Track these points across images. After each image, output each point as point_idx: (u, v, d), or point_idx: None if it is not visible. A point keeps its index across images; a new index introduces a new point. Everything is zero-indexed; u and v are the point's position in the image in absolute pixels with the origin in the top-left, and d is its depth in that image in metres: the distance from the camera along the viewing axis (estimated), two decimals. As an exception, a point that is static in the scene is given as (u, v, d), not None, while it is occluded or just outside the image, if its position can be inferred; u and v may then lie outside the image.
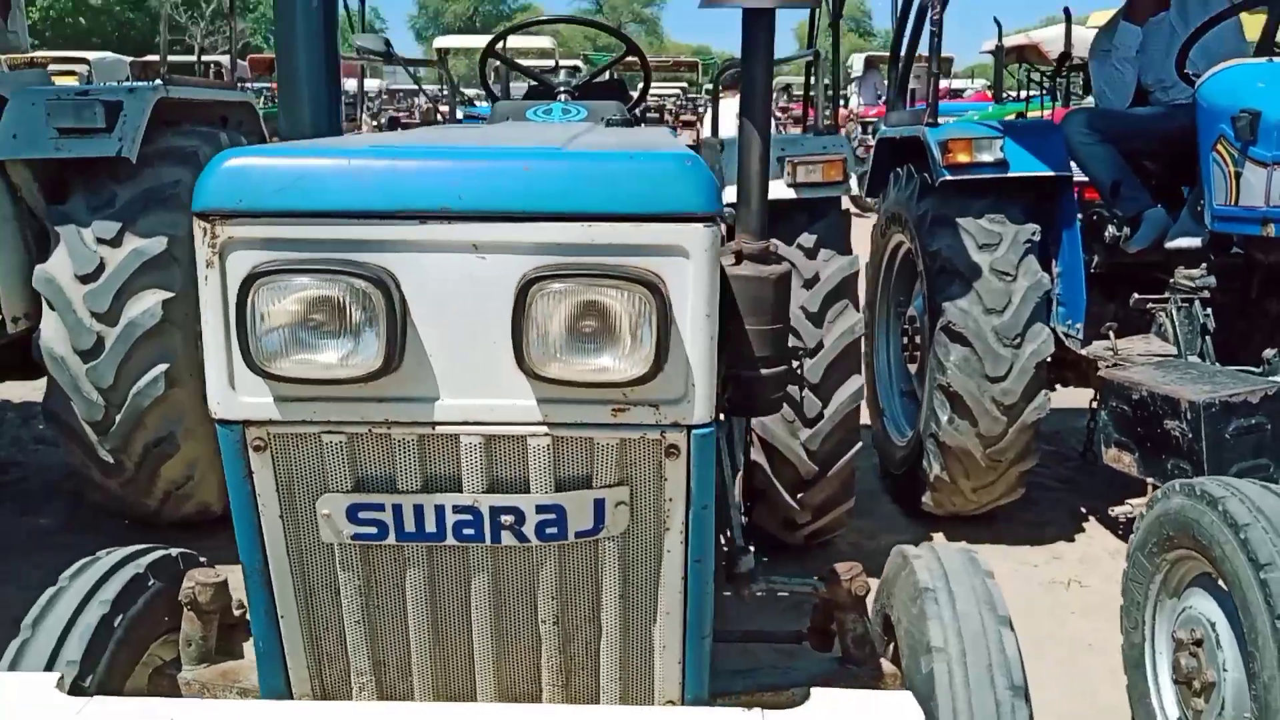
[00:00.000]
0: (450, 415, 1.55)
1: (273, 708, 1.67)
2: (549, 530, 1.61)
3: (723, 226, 1.57)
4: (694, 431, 1.57)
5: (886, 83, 6.25)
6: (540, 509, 1.59)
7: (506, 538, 1.61)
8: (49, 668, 1.95)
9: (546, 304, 1.46)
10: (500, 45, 3.72)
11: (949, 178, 4.61)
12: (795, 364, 3.01)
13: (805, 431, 4.22)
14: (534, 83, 3.95)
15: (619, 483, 1.61)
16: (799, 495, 4.33)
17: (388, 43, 3.74)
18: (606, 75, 4.32)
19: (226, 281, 1.48)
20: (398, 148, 1.58)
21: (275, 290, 1.45)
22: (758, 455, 4.34)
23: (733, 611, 3.21)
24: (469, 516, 1.60)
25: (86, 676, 1.96)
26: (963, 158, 4.60)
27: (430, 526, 1.61)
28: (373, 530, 1.61)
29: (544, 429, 1.55)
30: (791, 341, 4.08)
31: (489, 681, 1.74)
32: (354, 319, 1.47)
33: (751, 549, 2.51)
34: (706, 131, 5.67)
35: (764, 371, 2.81)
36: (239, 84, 6.72)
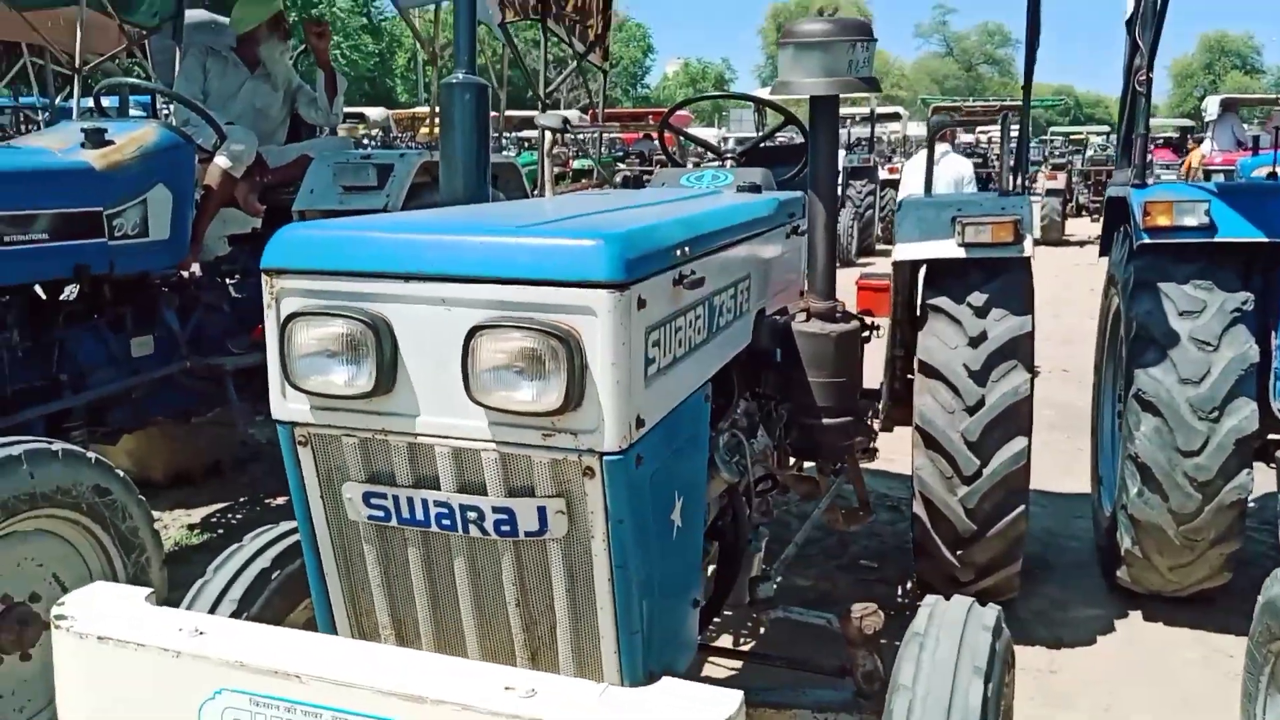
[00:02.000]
0: (427, 429, 2.01)
1: (320, 640, 2.19)
2: (504, 528, 2.03)
3: (639, 293, 1.91)
4: (605, 457, 1.92)
5: (1245, 126, 5.93)
6: (496, 509, 2.02)
7: (473, 530, 2.05)
8: (214, 607, 2.61)
9: (486, 347, 1.89)
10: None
11: (1147, 240, 4.46)
12: (868, 416, 3.17)
13: (963, 489, 4.27)
14: (706, 149, 4.37)
15: (557, 494, 1.99)
16: (958, 552, 4.37)
17: (565, 120, 4.32)
18: (782, 138, 4.62)
19: (279, 319, 2.05)
20: (400, 223, 2.08)
21: (304, 327, 2.00)
22: (918, 508, 4.44)
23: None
24: (445, 510, 2.05)
25: (242, 614, 2.60)
26: (1163, 220, 4.44)
27: (419, 515, 2.08)
28: (381, 514, 2.11)
29: (493, 445, 1.98)
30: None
31: (476, 654, 2.18)
32: (356, 351, 1.98)
33: (773, 578, 2.75)
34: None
35: (825, 421, 3.07)
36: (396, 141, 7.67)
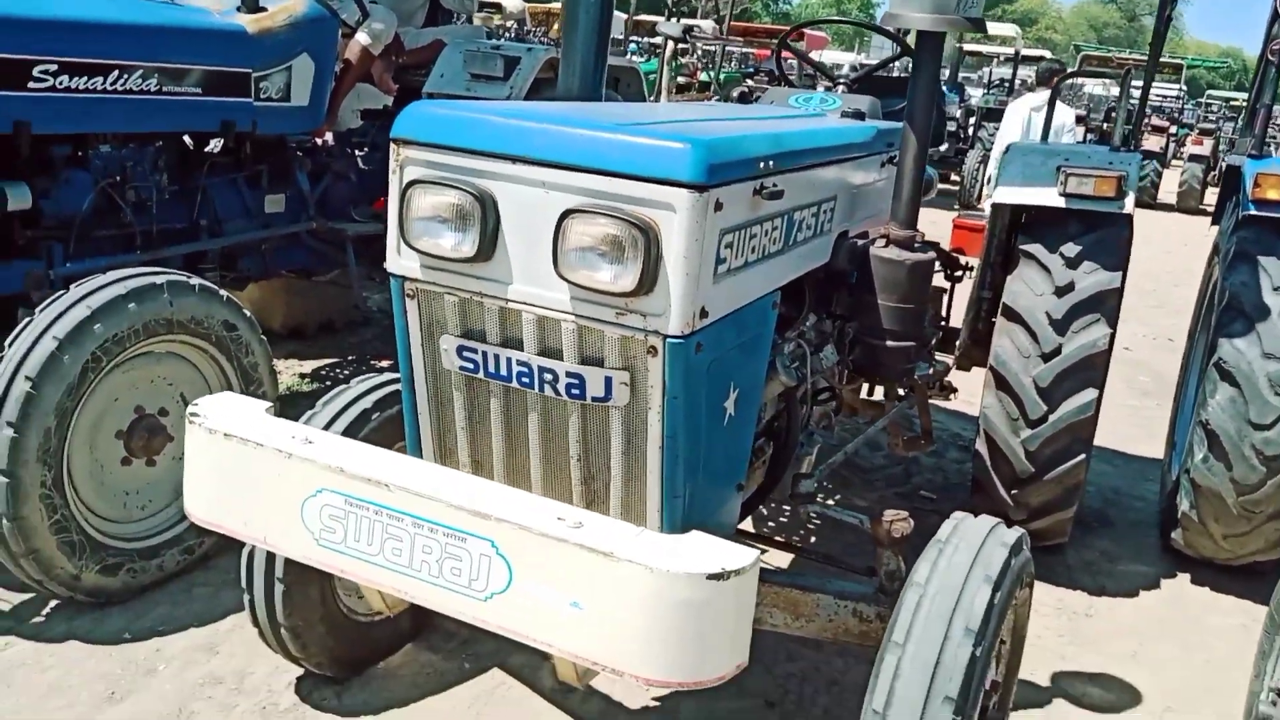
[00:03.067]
0: (517, 296, 2.28)
1: (415, 465, 2.49)
2: (574, 391, 2.29)
3: (717, 196, 2.11)
4: (668, 339, 2.16)
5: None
6: (569, 374, 2.28)
7: (548, 390, 2.32)
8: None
9: (575, 229, 2.13)
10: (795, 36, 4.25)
11: (1253, 212, 4.44)
12: (933, 344, 3.33)
13: (1026, 431, 4.40)
14: (820, 72, 4.48)
15: (623, 367, 2.24)
16: (1013, 491, 4.52)
17: (688, 29, 4.42)
18: (895, 70, 4.68)
19: (401, 184, 2.32)
20: (513, 110, 2.32)
21: (421, 193, 2.27)
22: (980, 446, 4.59)
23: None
24: (525, 370, 2.33)
25: (343, 443, 2.95)
26: (1272, 194, 4.40)
27: (504, 371, 2.36)
28: (471, 366, 2.40)
29: (572, 317, 2.23)
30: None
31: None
32: (464, 220, 2.24)
33: (817, 477, 2.98)
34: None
35: (889, 343, 3.24)
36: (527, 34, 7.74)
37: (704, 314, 2.20)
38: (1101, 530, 5.28)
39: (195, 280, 3.73)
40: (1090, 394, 4.34)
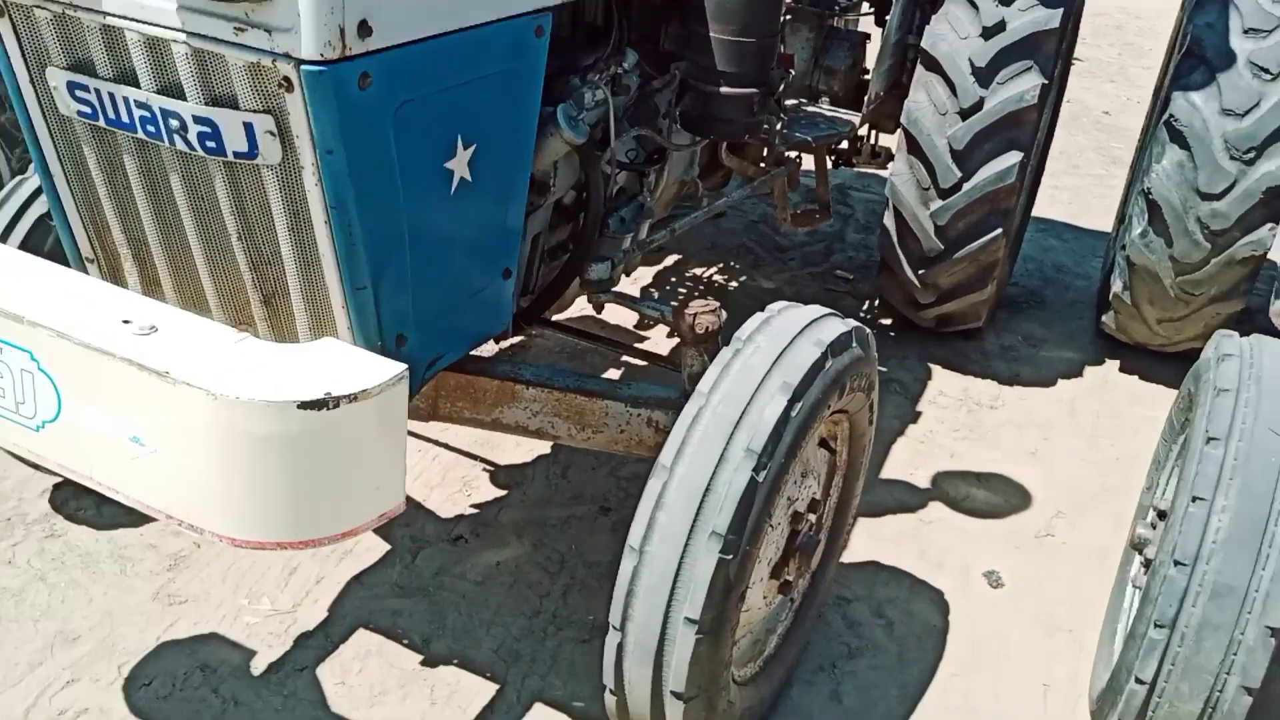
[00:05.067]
0: (116, 8, 1.64)
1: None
2: (209, 143, 1.70)
3: None
4: (304, 68, 1.54)
5: None
6: (198, 119, 1.68)
7: (179, 142, 1.72)
8: None
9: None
10: None
11: (1228, -65, 3.65)
12: (780, 89, 2.68)
13: (937, 203, 3.81)
14: None
15: (264, 110, 1.63)
16: (921, 272, 3.98)
17: None
18: None
19: None
20: None
21: None
22: (888, 219, 4.00)
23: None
24: (148, 115, 1.72)
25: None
26: (1254, -89, 3.60)
27: (124, 117, 1.75)
28: (88, 109, 1.79)
29: (183, 36, 1.60)
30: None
31: (211, 293, 1.92)
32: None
33: (617, 261, 2.42)
34: None
35: (724, 89, 2.60)
36: None
37: (365, 30, 1.57)
38: (1032, 311, 4.76)
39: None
40: (1013, 158, 3.71)
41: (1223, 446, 2.00)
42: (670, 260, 4.91)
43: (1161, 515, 2.38)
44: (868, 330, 2.28)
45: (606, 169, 2.45)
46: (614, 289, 2.47)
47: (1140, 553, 2.45)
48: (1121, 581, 2.66)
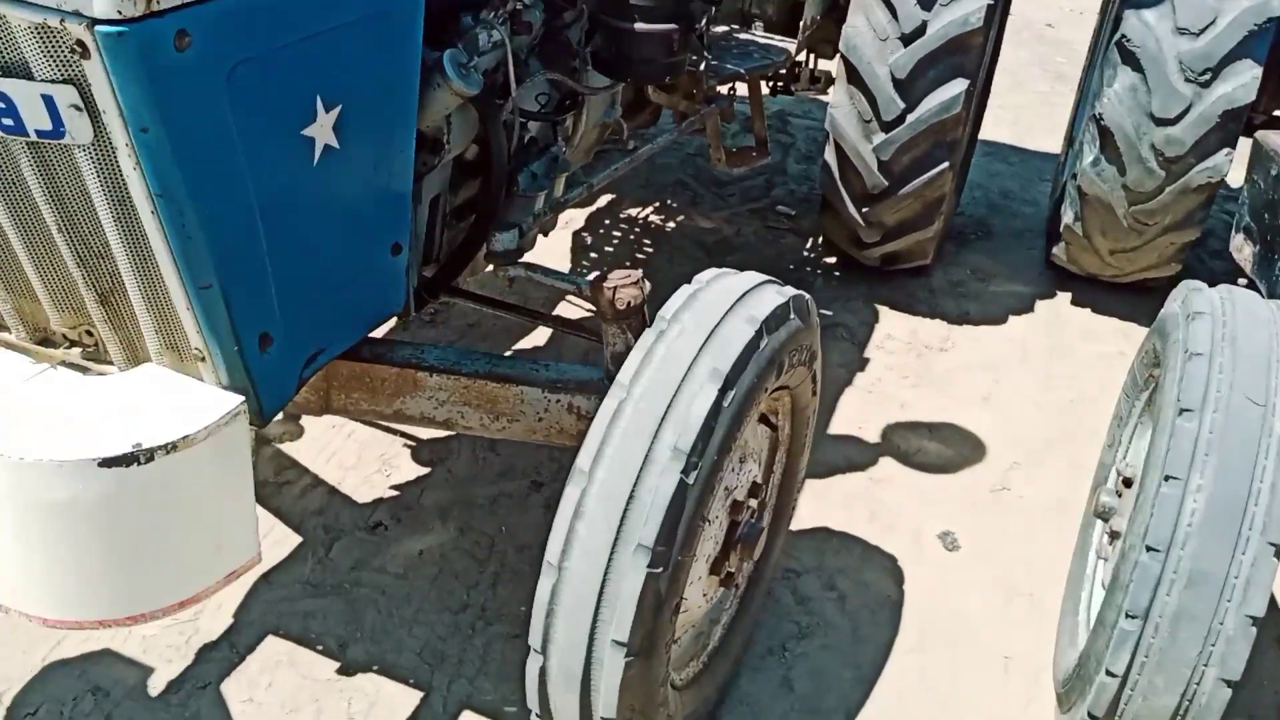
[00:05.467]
0: None
1: None
2: (6, 120, 1.40)
3: None
4: (99, 28, 1.25)
5: None
6: (-12, 94, 1.37)
7: (-29, 121, 1.42)
8: None
9: None
10: None
11: None
12: (700, 26, 2.41)
13: (879, 136, 3.56)
14: None
15: (64, 80, 1.34)
16: (864, 210, 3.75)
17: None
18: None
19: None
20: None
21: None
22: (829, 154, 3.76)
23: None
24: (-70, 87, 1.41)
25: None
26: None
27: (-95, 90, 1.44)
28: None
29: (-48, -7, 1.29)
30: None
31: (40, 291, 1.63)
32: None
33: (519, 227, 2.16)
34: None
35: (639, 26, 2.32)
36: None
37: (177, -20, 1.27)
38: (979, 243, 4.57)
39: None
40: (959, 85, 3.47)
41: (1196, 419, 1.81)
42: (603, 201, 4.63)
43: (1127, 483, 2.21)
44: (807, 297, 2.05)
45: (510, 120, 2.17)
46: (523, 259, 2.20)
47: (1105, 521, 2.28)
48: (1084, 546, 2.50)
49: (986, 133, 5.30)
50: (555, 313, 3.51)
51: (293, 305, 1.68)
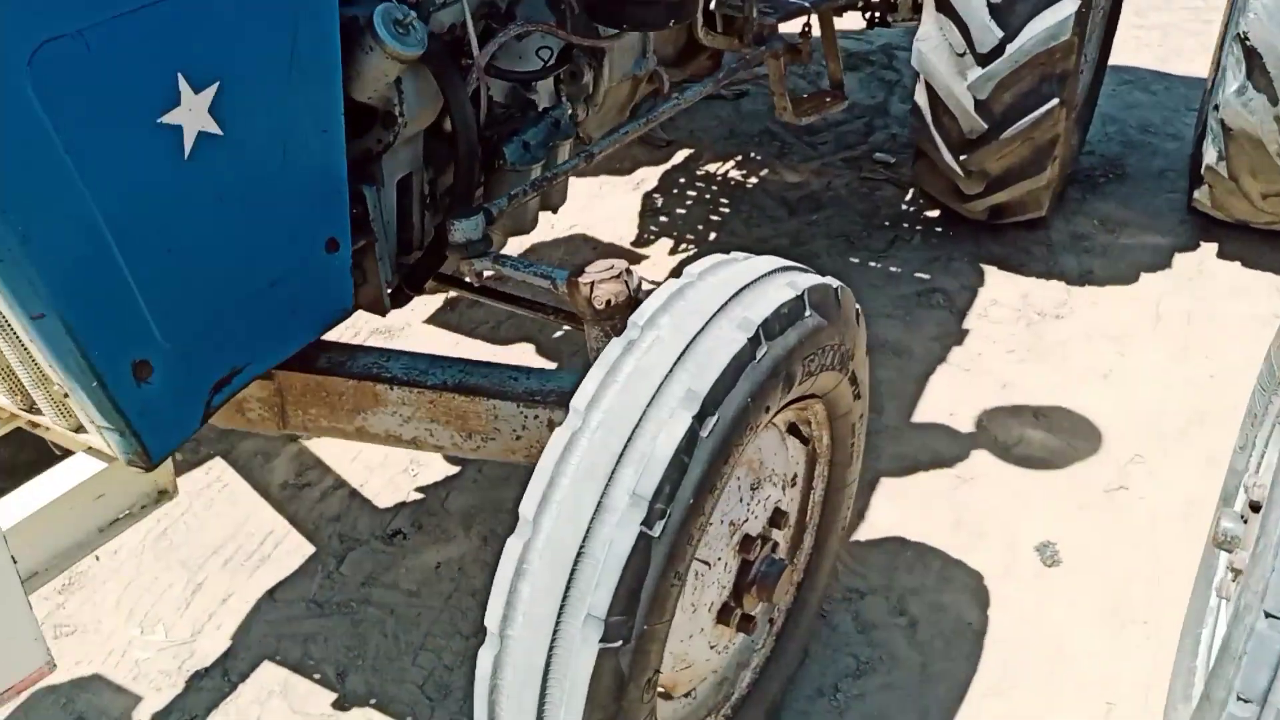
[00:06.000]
0: None
1: None
2: None
3: None
4: None
5: None
6: None
7: None
8: None
9: None
10: None
11: None
12: None
13: (975, 71, 3.07)
14: None
15: None
16: (962, 157, 3.26)
17: None
18: None
19: None
20: None
21: None
22: (919, 95, 3.28)
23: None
24: None
25: None
26: None
27: None
28: None
29: None
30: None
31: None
32: None
33: (482, 216, 1.82)
34: None
35: (630, -41, 1.93)
36: None
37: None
38: (1110, 187, 3.99)
39: None
40: (1067, 7, 2.95)
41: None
42: (679, 157, 4.25)
43: (1254, 508, 1.74)
44: (835, 286, 1.66)
45: (477, 83, 1.84)
46: (495, 250, 1.87)
47: (1227, 551, 1.82)
48: (1206, 574, 2.04)
49: (1123, 57, 4.66)
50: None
51: (181, 324, 1.41)
